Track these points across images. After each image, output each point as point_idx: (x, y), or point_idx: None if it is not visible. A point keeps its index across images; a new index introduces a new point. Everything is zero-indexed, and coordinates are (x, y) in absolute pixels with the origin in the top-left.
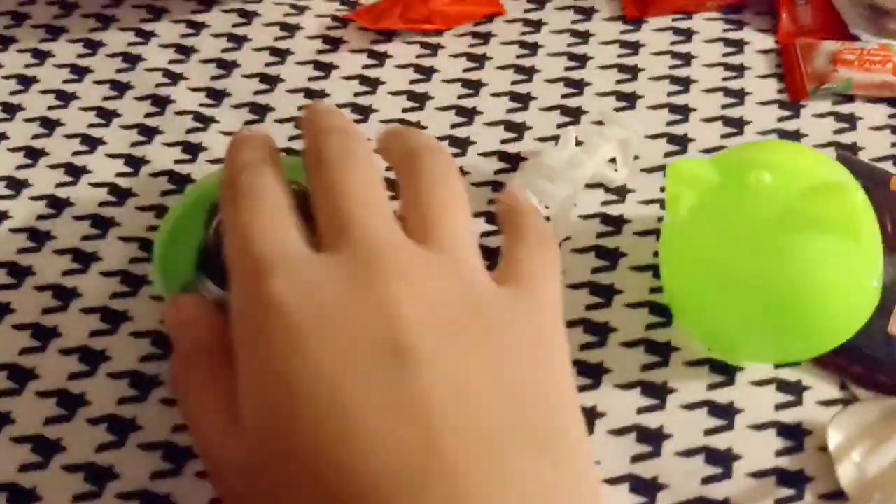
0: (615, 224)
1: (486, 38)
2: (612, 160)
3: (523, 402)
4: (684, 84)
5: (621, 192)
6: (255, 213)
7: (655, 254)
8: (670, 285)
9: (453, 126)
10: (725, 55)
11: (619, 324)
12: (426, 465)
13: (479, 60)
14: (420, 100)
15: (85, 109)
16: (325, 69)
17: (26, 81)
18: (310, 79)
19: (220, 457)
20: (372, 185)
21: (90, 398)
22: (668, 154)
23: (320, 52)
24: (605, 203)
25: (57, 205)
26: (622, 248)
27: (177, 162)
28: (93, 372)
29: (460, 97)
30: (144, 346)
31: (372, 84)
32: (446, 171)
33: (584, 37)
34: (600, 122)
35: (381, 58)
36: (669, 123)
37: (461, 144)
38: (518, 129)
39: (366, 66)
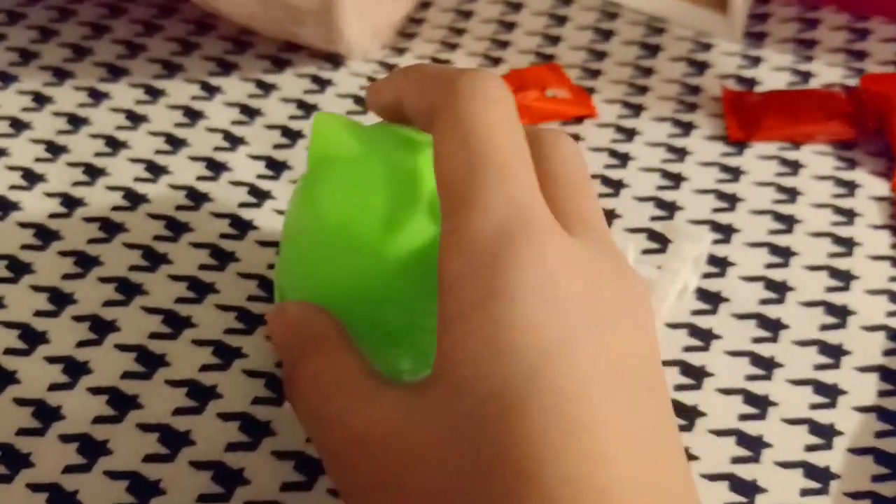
0: (696, 376)
1: (573, 140)
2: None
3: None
4: (788, 223)
5: (706, 338)
6: None
7: (740, 416)
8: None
9: None
10: (835, 196)
11: None
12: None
13: None
14: None
15: (133, 161)
16: None
17: (77, 122)
18: None
19: (365, 428)
20: None
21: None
22: (764, 301)
23: None
24: (687, 350)
25: (85, 263)
26: (701, 408)
27: (222, 236)
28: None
29: None
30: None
31: None
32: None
33: (681, 154)
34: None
35: None
36: (768, 266)
37: None
38: None
39: None
